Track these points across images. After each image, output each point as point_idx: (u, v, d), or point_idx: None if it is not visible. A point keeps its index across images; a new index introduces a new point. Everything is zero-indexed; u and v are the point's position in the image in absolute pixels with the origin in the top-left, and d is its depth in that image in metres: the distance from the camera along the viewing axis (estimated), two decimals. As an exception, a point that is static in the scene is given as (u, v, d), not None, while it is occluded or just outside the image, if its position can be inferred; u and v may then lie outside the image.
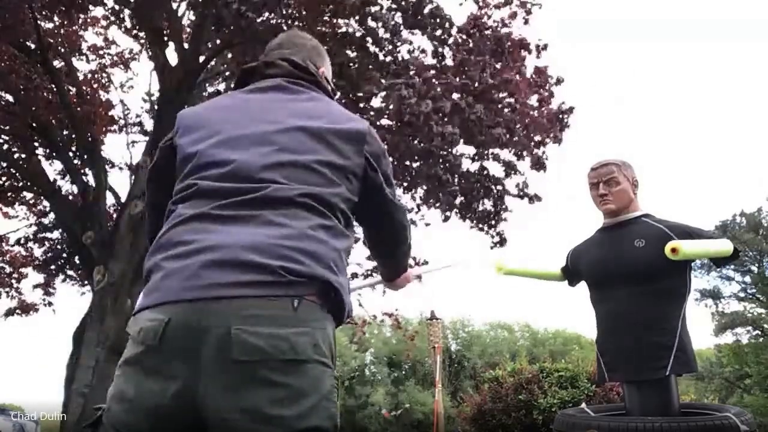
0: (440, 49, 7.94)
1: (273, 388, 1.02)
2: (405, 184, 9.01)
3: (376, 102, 8.20)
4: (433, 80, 7.59)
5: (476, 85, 7.38)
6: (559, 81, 8.58)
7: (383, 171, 1.39)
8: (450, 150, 7.96)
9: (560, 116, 8.49)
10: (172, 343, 1.04)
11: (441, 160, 7.95)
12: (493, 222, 8.94)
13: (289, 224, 1.14)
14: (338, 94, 8.33)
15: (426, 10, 7.46)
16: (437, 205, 9.13)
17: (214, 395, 1.01)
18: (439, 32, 7.63)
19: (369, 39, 7.48)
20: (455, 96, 7.34)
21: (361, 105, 8.27)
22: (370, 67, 7.57)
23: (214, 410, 1.01)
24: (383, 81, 7.48)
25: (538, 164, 8.50)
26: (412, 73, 7.61)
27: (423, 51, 8.18)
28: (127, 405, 1.06)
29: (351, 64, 7.58)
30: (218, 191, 1.18)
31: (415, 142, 7.58)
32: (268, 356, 1.02)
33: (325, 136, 1.28)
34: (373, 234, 1.55)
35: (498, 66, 7.76)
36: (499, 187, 8.75)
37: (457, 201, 8.75)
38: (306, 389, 1.05)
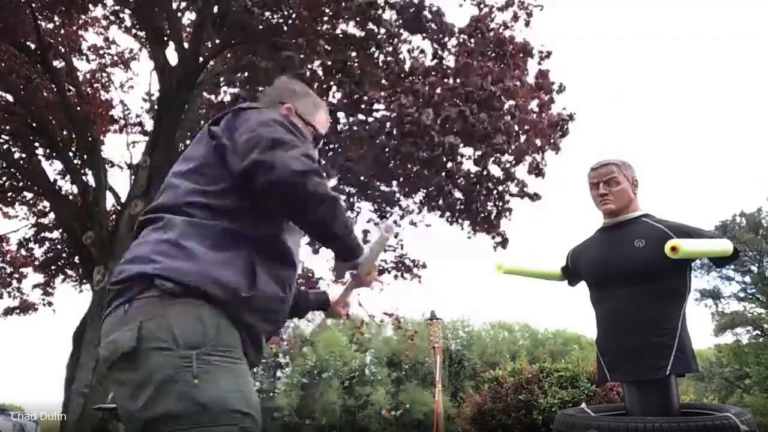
0: (440, 53, 7.94)
1: (123, 386, 1.16)
2: (406, 189, 9.00)
3: (379, 106, 8.21)
4: (436, 87, 7.58)
5: (480, 92, 7.38)
6: (561, 89, 8.59)
7: (239, 131, 1.34)
8: (451, 159, 7.99)
9: (560, 123, 8.49)
10: None
11: (443, 170, 7.98)
12: (494, 222, 8.93)
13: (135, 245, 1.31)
14: (337, 94, 8.34)
15: (426, 13, 7.46)
16: (437, 208, 9.13)
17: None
18: (439, 36, 7.63)
19: (371, 41, 7.48)
20: (459, 104, 7.34)
21: (363, 107, 8.28)
22: (375, 68, 7.57)
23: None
24: (384, 82, 7.48)
25: (536, 170, 8.50)
26: (413, 78, 7.61)
27: (423, 52, 8.18)
28: None
29: (352, 64, 7.57)
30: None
31: (419, 150, 7.59)
32: (106, 360, 1.18)
33: (186, 154, 1.44)
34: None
35: (499, 70, 7.75)
36: (500, 187, 8.74)
37: (458, 202, 8.74)
38: (144, 380, 1.12)
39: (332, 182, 9.46)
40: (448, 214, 9.04)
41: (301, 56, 7.85)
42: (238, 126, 1.35)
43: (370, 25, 7.34)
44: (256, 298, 1.27)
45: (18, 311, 11.30)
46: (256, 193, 1.26)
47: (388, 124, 7.75)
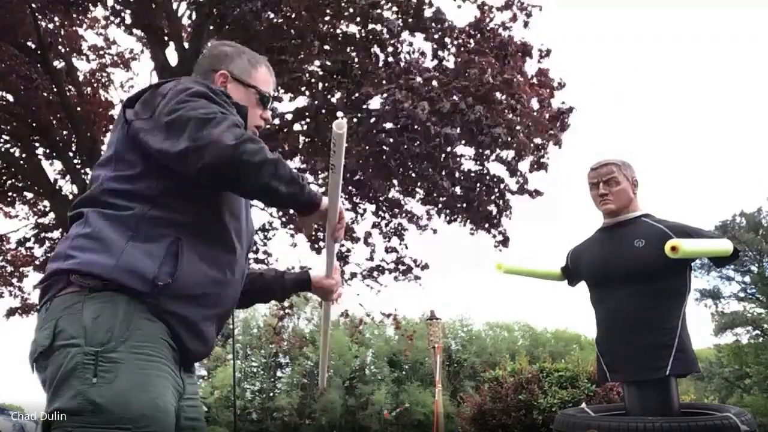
0: (440, 53, 7.93)
1: (41, 383, 1.17)
2: (409, 188, 8.98)
3: (375, 103, 8.20)
4: (433, 81, 7.56)
5: (479, 86, 7.36)
6: (560, 85, 8.57)
7: (155, 116, 1.26)
8: (449, 152, 7.93)
9: (561, 116, 8.47)
10: None
11: (440, 165, 7.93)
12: (495, 221, 8.90)
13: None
14: (337, 94, 8.33)
15: (428, 14, 7.46)
16: (437, 207, 9.12)
17: None
18: (439, 35, 7.62)
19: (371, 41, 7.47)
20: (455, 97, 7.31)
21: (363, 107, 8.27)
22: (377, 68, 7.56)
23: None
24: (383, 82, 7.47)
25: (539, 165, 8.48)
26: (410, 76, 7.60)
27: (423, 53, 8.17)
28: None
29: (352, 64, 7.56)
30: None
31: (415, 144, 7.56)
32: (30, 358, 1.19)
33: (108, 142, 1.41)
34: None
35: (499, 66, 7.74)
36: (501, 185, 8.71)
37: (458, 200, 8.73)
38: (50, 377, 1.13)
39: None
40: (447, 211, 9.03)
41: (301, 56, 7.85)
42: (158, 103, 1.26)
43: (371, 25, 7.33)
44: (181, 285, 1.20)
45: (20, 312, 11.29)
46: (186, 176, 1.21)
47: (381, 119, 7.73)
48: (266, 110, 1.55)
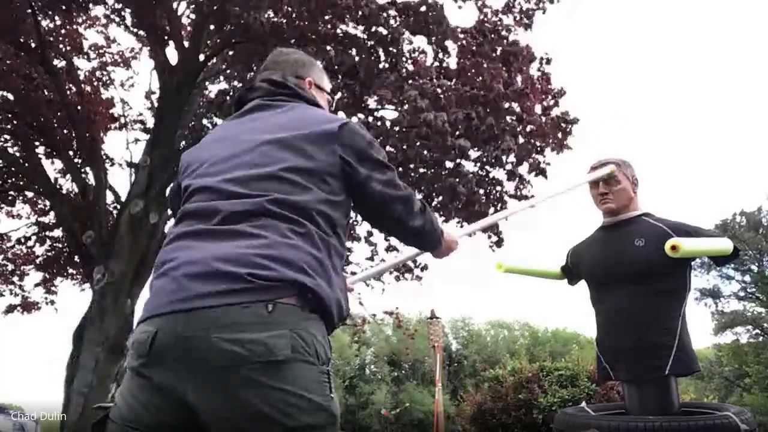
0: (440, 55, 7.94)
1: (258, 388, 1.10)
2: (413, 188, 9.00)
3: (387, 108, 8.21)
4: (442, 89, 7.58)
5: (490, 94, 7.38)
6: (561, 92, 8.61)
7: (366, 165, 1.40)
8: (460, 162, 8.03)
9: (565, 127, 8.51)
10: (160, 353, 1.15)
11: (451, 171, 8.00)
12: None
13: (260, 234, 1.22)
14: (338, 94, 8.34)
15: (429, 14, 7.45)
16: (438, 207, 9.14)
17: (205, 399, 1.12)
18: (439, 37, 7.63)
19: (376, 44, 7.46)
20: (469, 107, 7.36)
21: (370, 107, 8.29)
22: (379, 69, 7.56)
23: (208, 411, 1.12)
24: (389, 82, 7.46)
25: (538, 170, 8.51)
26: (418, 79, 7.61)
27: (423, 52, 8.18)
28: (128, 406, 1.20)
29: (356, 64, 7.56)
30: (197, 212, 1.30)
31: (426, 152, 7.60)
32: (245, 360, 1.09)
33: (293, 143, 1.35)
34: (377, 226, 1.61)
35: (506, 71, 7.75)
36: (499, 188, 8.76)
37: (459, 202, 8.76)
38: (290, 388, 1.12)
39: None
40: (448, 207, 9.05)
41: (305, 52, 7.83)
42: (356, 146, 1.40)
43: (375, 28, 7.32)
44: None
45: (20, 309, 11.30)
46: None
47: (397, 127, 7.76)
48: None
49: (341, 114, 8.51)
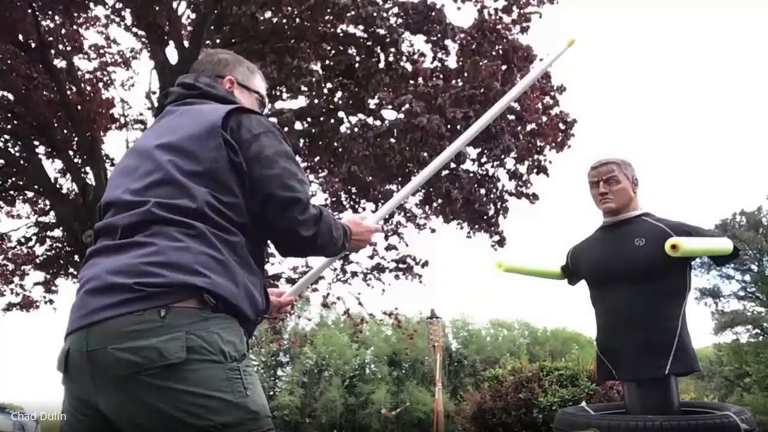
0: (440, 54, 7.94)
1: (161, 393, 1.13)
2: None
3: (388, 110, 8.22)
4: (440, 90, 7.57)
5: (490, 93, 7.37)
6: (561, 89, 8.58)
7: (251, 156, 1.34)
8: (457, 164, 8.03)
9: (565, 128, 8.51)
10: (72, 368, 1.22)
11: (450, 177, 8.01)
12: (492, 221, 8.94)
13: (150, 242, 1.24)
14: (337, 94, 8.33)
15: (427, 13, 7.45)
16: (435, 208, 9.14)
17: (116, 408, 1.17)
18: (439, 36, 7.63)
19: (374, 43, 7.46)
20: (470, 111, 7.36)
21: (371, 108, 8.28)
22: (378, 70, 7.56)
23: (121, 419, 1.18)
24: (387, 82, 7.47)
25: (539, 168, 8.51)
26: (416, 81, 7.62)
27: (423, 54, 8.17)
28: (67, 418, 1.31)
29: (354, 65, 7.56)
30: (102, 229, 1.35)
31: (424, 154, 7.61)
32: (142, 367, 1.12)
33: (180, 145, 1.34)
34: (264, 232, 1.42)
35: (506, 70, 7.75)
36: (499, 185, 8.75)
37: (458, 202, 8.76)
38: (193, 389, 1.13)
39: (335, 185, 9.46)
40: (446, 211, 9.06)
41: (302, 55, 7.84)
42: (252, 147, 1.35)
43: (374, 28, 7.32)
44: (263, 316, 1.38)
45: (20, 307, 11.30)
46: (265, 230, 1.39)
47: (395, 129, 7.77)
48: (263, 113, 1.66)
49: (341, 114, 8.52)
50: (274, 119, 8.65)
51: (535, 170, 8.51)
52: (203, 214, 1.27)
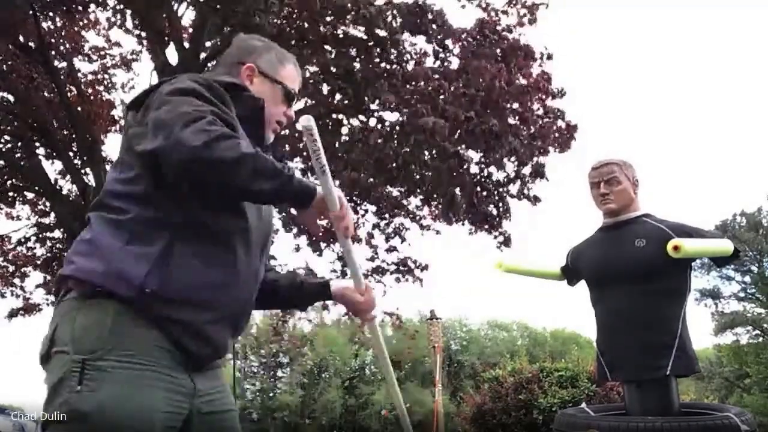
0: (442, 54, 7.94)
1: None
2: (407, 188, 9.00)
3: (389, 112, 8.22)
4: (441, 91, 7.57)
5: (492, 93, 7.37)
6: (561, 93, 8.60)
7: (148, 113, 1.22)
8: (459, 166, 8.04)
9: (566, 132, 8.52)
10: None
11: (452, 175, 8.02)
12: (495, 222, 8.95)
13: None
14: (336, 96, 8.33)
15: (429, 15, 7.47)
16: (437, 209, 9.14)
17: None
18: (440, 37, 7.63)
19: (375, 45, 7.46)
20: (472, 113, 7.36)
21: (371, 109, 8.29)
22: (378, 72, 7.56)
23: None
24: (386, 86, 7.47)
25: (538, 173, 8.52)
26: (417, 83, 7.62)
27: (426, 54, 8.18)
28: None
29: (353, 68, 7.56)
30: None
31: (426, 156, 7.61)
32: (40, 363, 1.19)
33: (126, 130, 1.31)
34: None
35: (507, 71, 7.74)
36: (501, 189, 8.77)
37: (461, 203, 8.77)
38: (47, 383, 1.14)
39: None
40: (449, 213, 9.06)
41: (302, 55, 7.85)
42: (150, 106, 1.23)
43: (375, 30, 7.32)
44: (173, 290, 1.17)
45: (23, 312, 11.29)
46: (169, 179, 1.18)
47: (396, 129, 7.76)
48: (291, 108, 1.53)
49: (340, 116, 8.51)
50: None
51: (534, 175, 8.53)
52: (99, 202, 1.27)
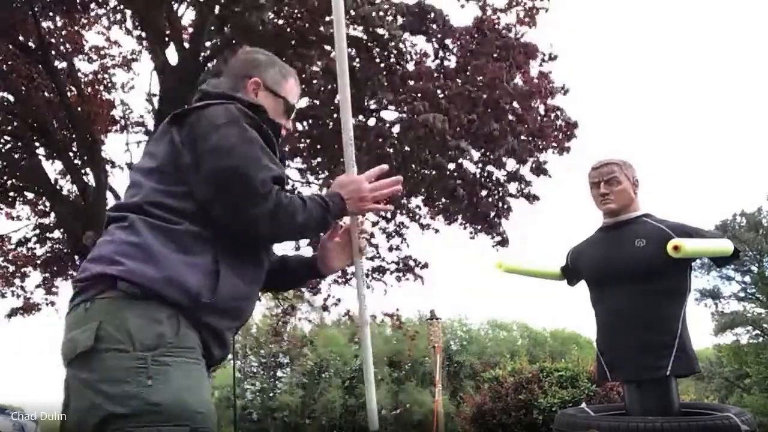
0: (441, 53, 7.94)
1: (79, 381, 1.19)
2: (407, 188, 9.01)
3: (389, 110, 8.22)
4: (442, 90, 7.57)
5: (494, 93, 7.37)
6: (564, 90, 8.56)
7: (195, 150, 1.32)
8: (460, 164, 8.04)
9: (567, 130, 8.51)
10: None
11: (451, 172, 8.02)
12: (494, 222, 8.95)
13: (98, 242, 1.33)
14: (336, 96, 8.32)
15: (429, 15, 7.47)
16: (438, 208, 9.14)
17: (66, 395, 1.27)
18: (439, 36, 7.63)
19: (375, 44, 7.46)
20: (474, 115, 7.36)
21: (372, 108, 8.29)
22: (379, 72, 7.56)
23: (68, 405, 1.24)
24: (386, 84, 7.47)
25: (539, 170, 8.51)
26: (418, 81, 7.62)
27: (426, 54, 8.18)
28: None
29: (354, 67, 7.57)
30: None
31: (426, 153, 7.61)
32: (65, 358, 1.23)
33: (148, 150, 1.43)
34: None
35: (507, 71, 7.74)
36: (500, 188, 8.77)
37: (459, 205, 8.76)
38: (94, 379, 1.16)
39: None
40: (447, 212, 9.06)
41: (304, 57, 7.86)
42: (198, 140, 1.32)
43: (375, 29, 7.32)
44: (218, 300, 1.28)
45: (22, 312, 11.29)
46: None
47: (396, 127, 7.76)
48: (289, 120, 1.63)
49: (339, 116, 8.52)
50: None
51: (536, 171, 8.52)
52: (139, 205, 1.30)
